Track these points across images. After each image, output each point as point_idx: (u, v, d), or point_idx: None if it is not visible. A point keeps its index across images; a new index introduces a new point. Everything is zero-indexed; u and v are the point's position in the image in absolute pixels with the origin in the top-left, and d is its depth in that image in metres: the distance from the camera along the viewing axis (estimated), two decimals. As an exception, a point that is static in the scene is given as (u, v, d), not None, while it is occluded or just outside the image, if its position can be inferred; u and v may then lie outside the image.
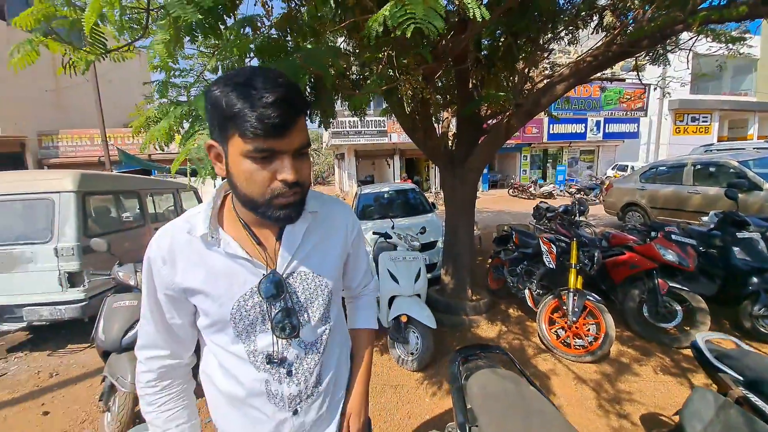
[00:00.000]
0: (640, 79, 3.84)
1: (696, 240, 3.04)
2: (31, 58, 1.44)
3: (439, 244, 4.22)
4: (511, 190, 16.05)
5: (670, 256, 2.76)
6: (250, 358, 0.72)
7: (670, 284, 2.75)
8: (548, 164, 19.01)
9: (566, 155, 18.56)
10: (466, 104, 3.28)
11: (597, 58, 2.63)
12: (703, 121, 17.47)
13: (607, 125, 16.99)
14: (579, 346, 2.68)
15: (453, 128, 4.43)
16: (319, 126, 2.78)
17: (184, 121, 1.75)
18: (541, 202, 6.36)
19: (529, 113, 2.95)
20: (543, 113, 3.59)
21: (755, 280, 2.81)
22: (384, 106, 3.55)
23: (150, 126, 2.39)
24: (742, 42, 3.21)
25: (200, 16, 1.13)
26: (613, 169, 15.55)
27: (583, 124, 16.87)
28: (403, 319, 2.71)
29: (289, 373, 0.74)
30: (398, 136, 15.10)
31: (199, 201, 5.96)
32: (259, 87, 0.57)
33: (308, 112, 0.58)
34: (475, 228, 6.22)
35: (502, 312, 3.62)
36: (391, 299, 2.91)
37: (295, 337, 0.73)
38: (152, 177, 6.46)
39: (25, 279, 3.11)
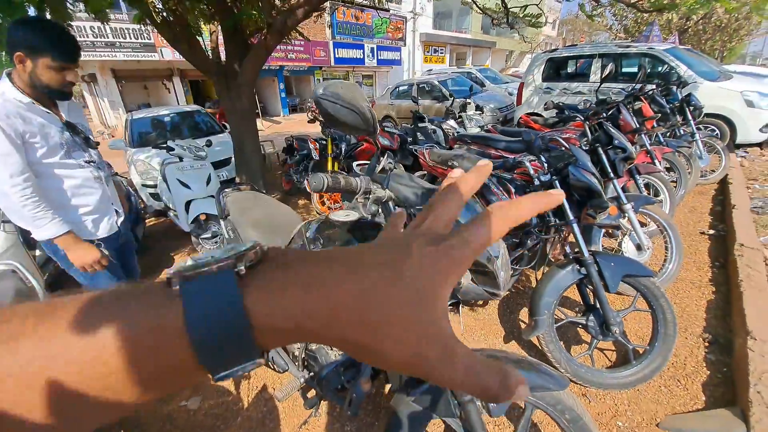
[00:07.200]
0: (375, 7, 5.01)
1: (402, 132, 4.78)
2: None
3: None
4: (309, 113, 16.90)
5: (384, 141, 4.33)
6: (80, 162, 1.46)
7: (388, 160, 4.37)
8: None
9: (352, 79, 20.66)
10: (227, 18, 3.55)
11: (322, -10, 3.43)
12: (440, 53, 22.85)
13: (379, 52, 19.66)
14: (337, 207, 4.01)
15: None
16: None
17: None
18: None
19: (280, 33, 3.56)
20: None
21: (431, 152, 4.81)
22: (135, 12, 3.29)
23: None
24: None
25: None
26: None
27: (361, 50, 18.90)
28: (202, 217, 3.21)
29: (99, 167, 1.55)
30: (173, 53, 12.54)
31: None
32: None
33: None
34: (272, 146, 6.82)
35: (292, 203, 4.63)
36: (188, 204, 3.29)
37: (92, 147, 1.55)
38: None
39: None
